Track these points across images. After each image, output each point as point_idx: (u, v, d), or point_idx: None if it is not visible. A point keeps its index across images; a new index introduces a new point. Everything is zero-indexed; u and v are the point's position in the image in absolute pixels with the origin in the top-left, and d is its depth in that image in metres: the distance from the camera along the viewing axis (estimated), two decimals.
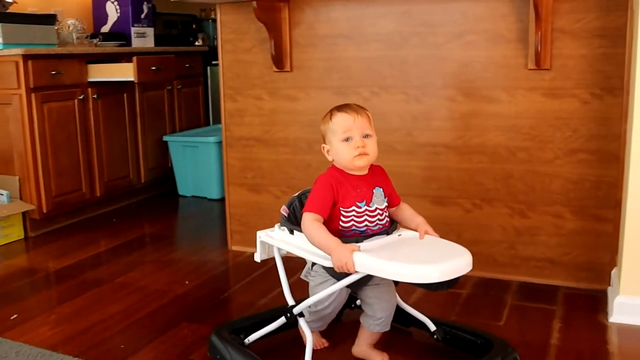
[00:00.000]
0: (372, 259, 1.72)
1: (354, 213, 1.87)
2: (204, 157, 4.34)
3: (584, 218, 2.61)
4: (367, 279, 1.91)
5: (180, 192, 4.56)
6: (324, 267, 1.89)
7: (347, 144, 1.86)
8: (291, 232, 1.96)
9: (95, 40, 4.22)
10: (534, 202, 2.66)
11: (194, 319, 2.42)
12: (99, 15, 4.57)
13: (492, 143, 2.68)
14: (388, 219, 1.95)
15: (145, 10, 4.59)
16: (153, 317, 2.45)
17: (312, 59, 2.94)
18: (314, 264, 1.97)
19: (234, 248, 3.25)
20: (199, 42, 5.46)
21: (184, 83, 4.76)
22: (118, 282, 2.84)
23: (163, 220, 3.95)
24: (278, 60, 2.95)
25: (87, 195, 3.91)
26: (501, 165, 2.68)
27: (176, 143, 4.47)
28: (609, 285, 2.56)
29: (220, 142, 3.80)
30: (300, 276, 2.05)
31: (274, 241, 2.03)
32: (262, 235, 2.07)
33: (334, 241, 1.77)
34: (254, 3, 2.76)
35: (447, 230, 2.77)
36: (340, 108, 1.92)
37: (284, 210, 2.03)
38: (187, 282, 2.81)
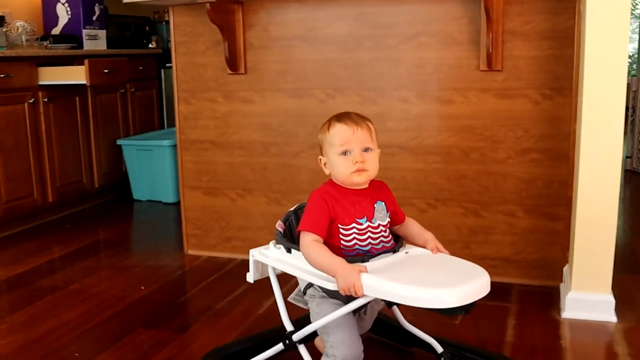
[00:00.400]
0: (382, 282, 1.55)
1: (355, 231, 1.71)
2: (159, 161, 4.30)
3: (537, 216, 2.66)
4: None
5: (135, 196, 4.50)
6: (325, 290, 1.72)
7: (345, 158, 1.70)
8: (288, 250, 1.79)
9: (45, 43, 4.14)
10: (488, 201, 2.70)
11: (151, 325, 2.40)
12: (49, 17, 4.49)
13: (446, 144, 2.71)
14: (392, 236, 1.80)
15: (97, 12, 4.52)
16: (108, 324, 2.42)
17: (267, 61, 2.94)
18: (307, 286, 1.80)
19: (190, 252, 3.23)
20: (152, 45, 5.41)
21: (137, 86, 4.70)
22: (72, 289, 2.79)
23: (118, 225, 3.90)
24: (232, 63, 2.94)
25: (39, 201, 3.84)
26: (455, 165, 2.71)
27: (130, 147, 4.41)
28: (561, 281, 2.61)
29: (175, 146, 3.77)
30: (289, 299, 1.91)
31: (269, 260, 1.85)
32: (255, 254, 1.89)
33: (339, 261, 1.60)
34: (208, 5, 2.74)
35: None
36: (340, 118, 1.75)
37: (279, 226, 1.88)
38: (143, 288, 2.77)
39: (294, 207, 1.93)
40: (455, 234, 2.76)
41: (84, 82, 3.82)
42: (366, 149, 1.72)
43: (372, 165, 1.73)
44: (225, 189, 3.11)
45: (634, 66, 10.59)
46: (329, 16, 2.82)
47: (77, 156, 4.15)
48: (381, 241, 1.74)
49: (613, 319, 2.34)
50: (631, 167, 5.30)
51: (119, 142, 4.45)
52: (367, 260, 1.66)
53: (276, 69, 2.93)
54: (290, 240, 1.85)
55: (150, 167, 4.35)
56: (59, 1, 4.43)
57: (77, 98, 4.11)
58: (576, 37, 2.48)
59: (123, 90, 4.55)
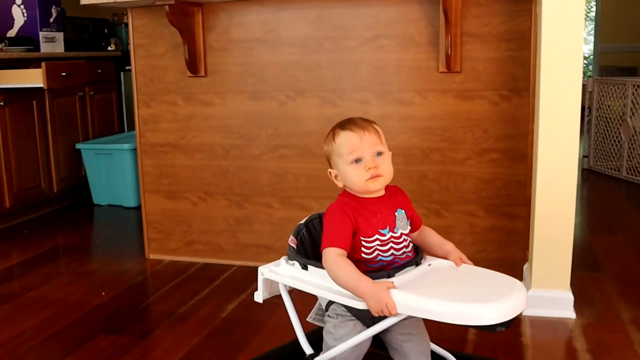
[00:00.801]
0: (416, 299, 1.44)
1: (377, 243, 1.59)
2: (119, 165, 4.25)
3: (496, 216, 2.69)
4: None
5: (95, 201, 4.44)
6: (350, 309, 1.59)
7: (357, 166, 1.59)
8: (304, 267, 1.64)
9: (0, 46, 4.06)
10: (449, 202, 2.73)
11: (112, 331, 2.36)
12: (5, 19, 4.40)
13: (407, 145, 2.73)
14: (412, 246, 1.69)
15: (54, 14, 4.45)
16: (69, 331, 2.38)
17: (227, 63, 2.93)
18: (329, 304, 1.67)
19: (152, 256, 3.20)
20: (111, 47, 5.34)
21: (96, 89, 4.64)
22: (31, 296, 2.74)
23: (77, 230, 3.84)
24: (192, 65, 2.92)
25: None
26: (416, 166, 2.73)
27: (89, 151, 4.35)
28: (522, 280, 2.64)
29: (135, 149, 3.73)
30: (307, 319, 1.78)
31: (281, 278, 1.70)
32: (265, 272, 1.73)
33: (366, 280, 1.48)
34: (167, 7, 2.72)
35: None
36: (343, 125, 1.64)
37: (291, 242, 1.73)
38: (103, 293, 2.74)
39: (305, 219, 1.78)
40: None
41: (41, 85, 3.76)
42: (378, 153, 1.61)
43: (386, 170, 1.61)
44: (186, 192, 3.09)
45: (590, 67, 10.79)
46: (288, 18, 2.82)
47: (35, 161, 4.08)
48: (404, 251, 1.63)
49: (572, 315, 2.38)
50: (588, 166, 5.40)
51: (78, 146, 4.39)
52: (393, 275, 1.54)
53: (236, 72, 2.92)
54: (304, 255, 1.71)
55: (111, 171, 4.30)
56: (15, 3, 4.35)
57: (34, 102, 4.04)
58: (533, 39, 2.52)
59: (82, 94, 4.48)
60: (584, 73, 11.28)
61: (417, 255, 1.64)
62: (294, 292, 1.74)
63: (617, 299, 2.54)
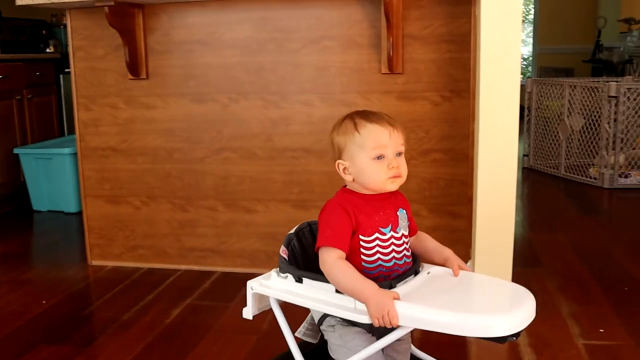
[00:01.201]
0: (420, 310, 1.35)
1: (378, 242, 1.49)
2: (59, 170, 4.15)
3: (440, 215, 2.73)
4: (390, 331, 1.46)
5: (35, 207, 4.33)
6: (348, 321, 1.49)
7: (379, 163, 1.48)
8: (299, 279, 1.54)
9: None
10: None
11: (54, 340, 2.31)
12: None
13: None
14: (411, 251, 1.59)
15: None
16: (8, 342, 2.31)
17: (169, 65, 2.89)
18: (323, 317, 1.55)
19: (94, 263, 3.13)
20: (50, 49, 5.22)
21: (34, 92, 4.54)
22: None
23: (16, 237, 3.74)
24: (133, 68, 2.88)
25: None
26: None
27: (28, 155, 4.25)
28: None
29: (75, 153, 3.65)
30: (297, 334, 1.68)
31: (273, 292, 1.58)
32: (254, 286, 1.60)
33: (370, 285, 1.39)
34: (106, 8, 2.67)
35: None
36: (369, 117, 1.52)
37: (283, 252, 1.61)
38: (44, 302, 2.67)
39: (294, 229, 1.67)
40: None
41: None
42: (399, 153, 1.51)
43: (405, 171, 1.52)
44: (128, 196, 3.04)
45: (529, 68, 11.03)
46: (231, 20, 2.80)
47: None
48: (404, 255, 1.53)
49: None
50: (528, 164, 5.52)
51: (16, 150, 4.27)
52: (395, 285, 1.44)
53: (178, 74, 2.89)
54: (296, 266, 1.60)
55: (50, 176, 4.20)
56: None
57: None
58: (473, 41, 2.57)
59: (19, 97, 4.37)
60: (524, 74, 11.53)
61: (415, 263, 1.56)
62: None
63: (556, 294, 2.61)
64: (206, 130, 2.89)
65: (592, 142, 4.87)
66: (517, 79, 2.31)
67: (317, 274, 1.50)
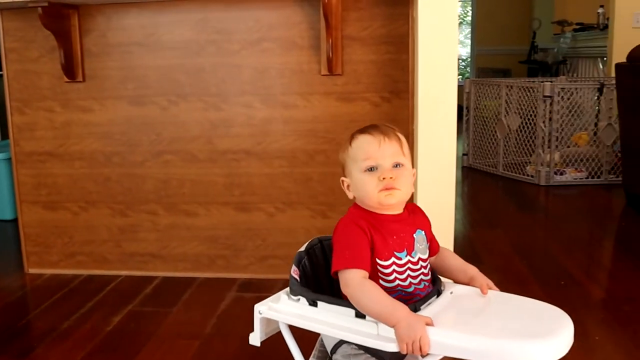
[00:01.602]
0: (454, 336, 1.23)
1: (394, 267, 1.38)
2: None
3: None
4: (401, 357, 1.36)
5: None
6: (366, 348, 1.36)
7: (370, 175, 1.39)
8: (313, 303, 1.41)
9: None
10: (335, 203, 2.76)
11: None
12: None
13: (291, 147, 2.74)
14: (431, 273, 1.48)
15: None
16: None
17: (106, 68, 2.84)
18: (338, 345, 1.42)
19: (32, 271, 3.05)
20: None
21: None
22: None
23: None
24: (69, 70, 2.82)
25: None
26: (301, 168, 2.75)
27: None
28: None
29: (9, 159, 3.55)
30: None
31: (284, 316, 1.44)
32: (262, 310, 1.47)
33: (402, 307, 1.27)
34: (39, 9, 2.61)
35: (252, 235, 2.82)
36: (364, 129, 1.45)
37: (294, 272, 1.48)
38: None
39: (305, 246, 1.55)
40: (304, 236, 2.78)
41: None
42: (397, 165, 1.40)
43: (404, 184, 1.40)
44: (66, 202, 2.97)
45: (468, 69, 11.24)
46: (169, 21, 2.77)
47: None
48: (422, 279, 1.42)
49: None
50: (468, 163, 5.62)
51: None
52: (419, 308, 1.33)
53: (116, 76, 2.84)
54: (307, 287, 1.46)
55: None
56: None
57: None
58: (411, 42, 2.60)
59: None
60: (463, 74, 11.74)
61: (437, 282, 1.45)
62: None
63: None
64: (145, 133, 2.85)
65: (528, 141, 4.99)
66: (454, 79, 2.35)
67: (334, 297, 1.40)
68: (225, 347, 2.19)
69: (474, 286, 1.45)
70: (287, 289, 1.48)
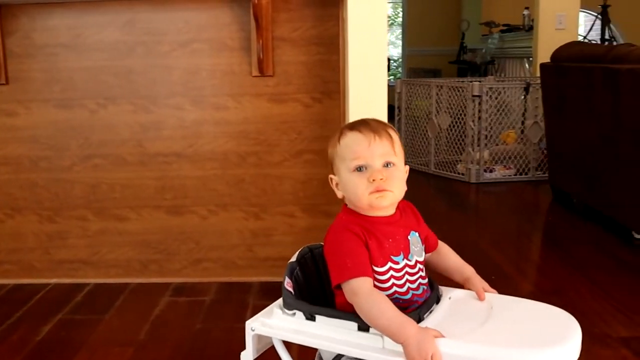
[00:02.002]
0: (467, 347, 1.16)
1: (392, 273, 1.31)
2: None
3: (315, 215, 2.76)
4: None
5: None
6: None
7: (359, 176, 1.31)
8: (311, 317, 1.32)
9: None
10: (267, 204, 2.76)
11: None
12: None
13: (223, 149, 2.73)
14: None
15: None
16: None
17: (30, 70, 2.76)
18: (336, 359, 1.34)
19: None
20: None
21: None
22: None
23: None
24: None
25: None
26: (233, 170, 2.74)
27: None
28: None
29: None
30: None
31: (279, 332, 1.36)
32: (255, 326, 1.37)
33: (410, 323, 1.20)
34: None
35: (184, 239, 2.79)
36: (353, 126, 1.36)
37: (287, 285, 1.38)
38: None
39: (295, 256, 1.46)
40: (238, 238, 2.79)
41: None
42: (387, 164, 1.32)
43: (396, 184, 1.32)
44: None
45: (400, 69, 11.39)
46: (97, 22, 2.71)
47: None
48: (420, 284, 1.36)
49: None
50: None
51: None
52: (423, 317, 1.27)
53: (41, 79, 2.76)
54: (301, 299, 1.37)
55: None
56: None
57: None
58: (341, 43, 2.62)
59: None
60: (394, 75, 11.89)
61: (434, 288, 1.40)
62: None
63: None
64: (73, 137, 2.78)
65: (459, 140, 5.09)
66: (384, 80, 2.39)
67: (334, 310, 1.33)
68: (160, 353, 2.17)
69: (469, 289, 1.41)
70: (280, 301, 1.39)
